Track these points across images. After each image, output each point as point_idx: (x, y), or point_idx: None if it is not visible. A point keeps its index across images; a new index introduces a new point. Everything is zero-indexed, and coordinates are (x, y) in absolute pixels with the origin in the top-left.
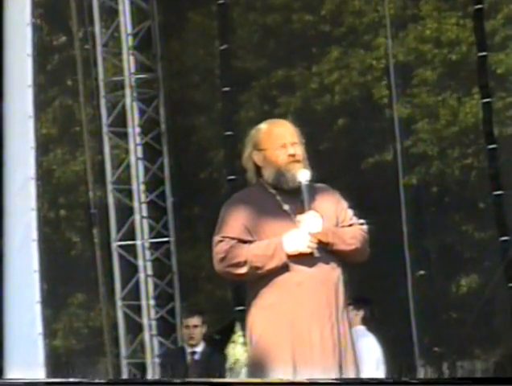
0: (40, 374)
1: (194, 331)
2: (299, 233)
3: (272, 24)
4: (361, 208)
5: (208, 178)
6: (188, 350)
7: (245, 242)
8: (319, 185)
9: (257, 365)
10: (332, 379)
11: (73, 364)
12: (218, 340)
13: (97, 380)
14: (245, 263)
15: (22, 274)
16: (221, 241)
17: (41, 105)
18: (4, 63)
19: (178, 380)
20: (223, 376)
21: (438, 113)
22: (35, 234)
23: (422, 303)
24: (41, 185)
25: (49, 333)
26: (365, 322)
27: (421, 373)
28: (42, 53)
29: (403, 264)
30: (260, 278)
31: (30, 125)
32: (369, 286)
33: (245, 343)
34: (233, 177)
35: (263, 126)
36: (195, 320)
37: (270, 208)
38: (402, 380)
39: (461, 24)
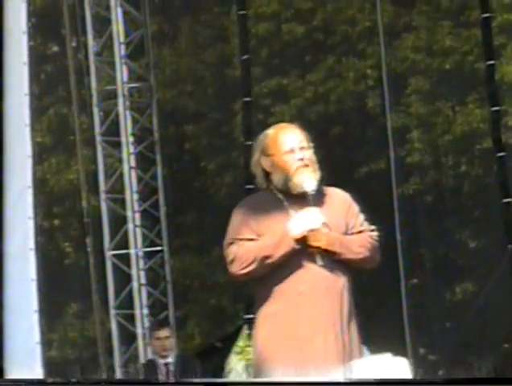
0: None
1: (166, 342)
2: (302, 216)
3: (265, 33)
4: None
5: (201, 187)
6: (161, 361)
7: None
8: (330, 189)
9: (259, 373)
10: (331, 380)
11: (68, 374)
12: (220, 348)
13: (97, 380)
14: (254, 259)
15: (19, 283)
16: (231, 243)
17: (35, 114)
18: (2, 71)
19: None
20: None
21: (432, 122)
22: (32, 243)
23: (416, 311)
24: (35, 194)
25: (44, 343)
26: None
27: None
28: (35, 62)
29: (397, 273)
30: (264, 285)
31: (28, 133)
32: (363, 295)
33: (240, 353)
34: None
35: (271, 131)
36: (166, 331)
37: (277, 213)
38: (402, 380)
39: (454, 33)
